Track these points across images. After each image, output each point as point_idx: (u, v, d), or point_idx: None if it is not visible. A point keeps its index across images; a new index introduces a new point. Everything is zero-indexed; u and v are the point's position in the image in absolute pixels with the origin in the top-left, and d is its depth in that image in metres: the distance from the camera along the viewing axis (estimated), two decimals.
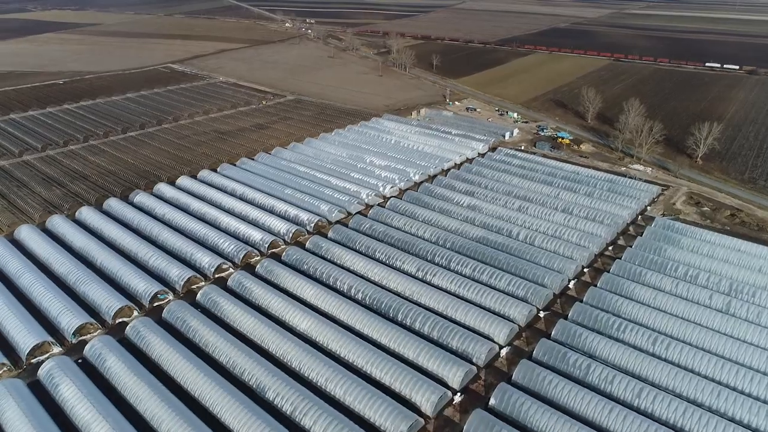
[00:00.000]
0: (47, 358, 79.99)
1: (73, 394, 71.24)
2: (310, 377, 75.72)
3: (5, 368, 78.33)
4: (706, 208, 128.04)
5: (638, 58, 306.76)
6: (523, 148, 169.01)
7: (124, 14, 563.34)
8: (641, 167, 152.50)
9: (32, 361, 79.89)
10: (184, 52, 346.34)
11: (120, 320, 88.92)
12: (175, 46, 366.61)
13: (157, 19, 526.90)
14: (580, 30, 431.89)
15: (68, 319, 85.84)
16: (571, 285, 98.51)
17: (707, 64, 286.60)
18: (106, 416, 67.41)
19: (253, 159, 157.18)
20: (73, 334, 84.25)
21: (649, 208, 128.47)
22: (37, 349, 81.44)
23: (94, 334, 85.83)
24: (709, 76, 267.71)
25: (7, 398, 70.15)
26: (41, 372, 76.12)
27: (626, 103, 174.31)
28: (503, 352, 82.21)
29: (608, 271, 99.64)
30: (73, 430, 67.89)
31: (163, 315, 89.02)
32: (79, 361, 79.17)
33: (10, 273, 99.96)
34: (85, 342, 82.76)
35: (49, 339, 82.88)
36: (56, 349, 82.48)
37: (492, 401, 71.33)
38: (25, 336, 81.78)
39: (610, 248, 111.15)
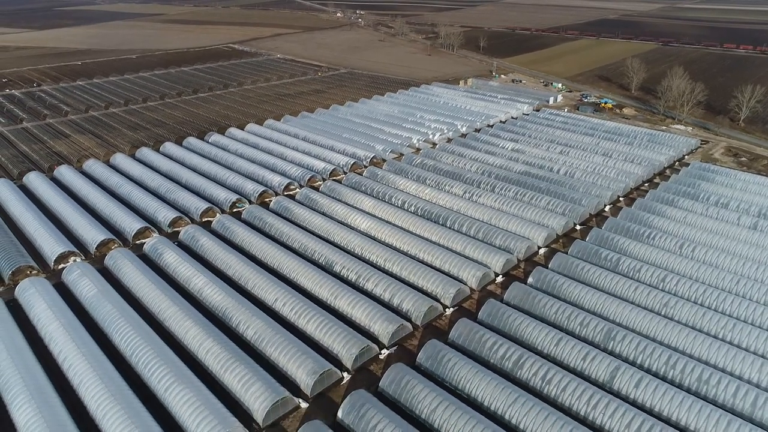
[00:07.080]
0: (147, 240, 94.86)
1: (174, 259, 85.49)
2: (370, 259, 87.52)
3: (116, 245, 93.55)
4: (743, 158, 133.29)
5: (690, 44, 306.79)
6: (566, 111, 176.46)
7: (185, 6, 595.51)
8: (682, 127, 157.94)
9: (137, 242, 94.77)
10: (242, 35, 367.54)
11: (206, 219, 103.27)
12: (233, 31, 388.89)
13: (216, 10, 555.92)
14: (629, 21, 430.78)
15: (164, 213, 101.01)
16: (606, 209, 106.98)
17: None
18: (203, 273, 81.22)
19: (312, 114, 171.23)
20: (168, 225, 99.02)
21: (687, 157, 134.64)
22: (140, 234, 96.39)
23: (185, 227, 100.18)
24: (761, 59, 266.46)
25: (124, 260, 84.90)
26: (146, 247, 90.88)
27: (670, 70, 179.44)
28: (541, 251, 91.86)
29: (643, 198, 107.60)
30: (174, 284, 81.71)
31: (242, 215, 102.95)
32: (176, 243, 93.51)
33: (112, 185, 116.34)
34: (178, 232, 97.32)
35: (149, 226, 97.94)
36: (155, 234, 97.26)
37: (530, 280, 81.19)
38: (130, 222, 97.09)
39: (646, 185, 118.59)
